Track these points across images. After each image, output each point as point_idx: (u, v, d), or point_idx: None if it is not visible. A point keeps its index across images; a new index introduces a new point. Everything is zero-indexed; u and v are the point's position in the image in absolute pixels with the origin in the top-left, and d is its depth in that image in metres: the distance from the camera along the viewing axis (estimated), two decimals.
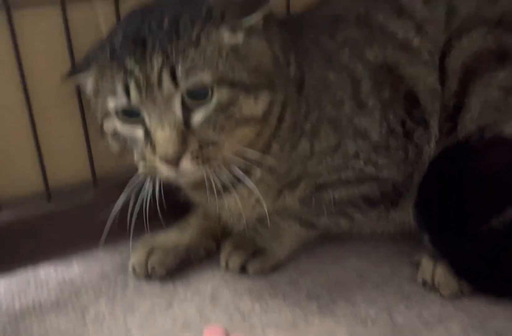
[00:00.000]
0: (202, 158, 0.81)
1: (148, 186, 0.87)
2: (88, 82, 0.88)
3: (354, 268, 1.04)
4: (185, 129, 0.80)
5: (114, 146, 0.88)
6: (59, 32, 1.01)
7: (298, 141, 0.92)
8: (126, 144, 0.86)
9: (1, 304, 0.97)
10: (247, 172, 0.89)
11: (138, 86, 0.80)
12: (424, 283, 0.98)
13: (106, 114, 0.85)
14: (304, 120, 0.91)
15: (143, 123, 0.83)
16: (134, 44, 0.81)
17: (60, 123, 1.08)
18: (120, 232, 0.92)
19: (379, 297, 0.96)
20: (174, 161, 0.80)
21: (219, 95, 0.80)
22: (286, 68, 0.90)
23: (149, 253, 1.02)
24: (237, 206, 0.93)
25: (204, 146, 0.81)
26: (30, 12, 0.99)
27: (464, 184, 0.92)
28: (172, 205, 0.96)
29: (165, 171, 0.82)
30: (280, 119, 0.90)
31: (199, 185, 0.92)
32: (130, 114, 0.83)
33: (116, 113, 0.84)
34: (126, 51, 0.81)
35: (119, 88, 0.81)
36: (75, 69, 0.92)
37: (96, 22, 1.04)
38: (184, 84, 0.79)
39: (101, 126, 0.88)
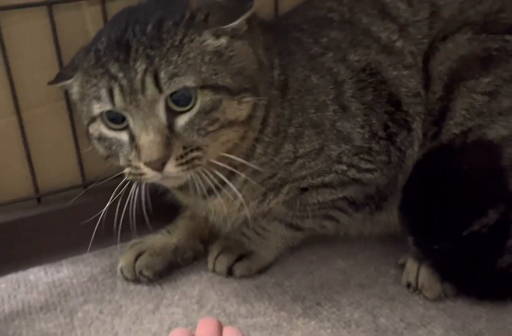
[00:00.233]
0: (186, 162, 0.82)
1: (135, 189, 0.87)
2: (74, 87, 0.89)
3: (340, 269, 1.05)
4: (170, 134, 0.80)
5: (100, 150, 0.89)
6: (46, 33, 1.02)
7: (282, 144, 0.92)
8: (111, 149, 0.86)
9: None
10: (231, 175, 0.90)
11: (122, 91, 0.80)
12: (408, 285, 0.99)
13: (92, 119, 0.86)
14: (287, 123, 0.92)
15: (128, 128, 0.83)
16: (118, 49, 0.81)
17: (48, 126, 1.09)
18: (109, 235, 0.93)
19: (364, 299, 0.97)
20: (159, 166, 0.81)
21: (202, 99, 0.81)
22: (270, 72, 0.91)
23: (137, 256, 1.03)
24: (223, 208, 0.95)
25: (189, 150, 0.81)
26: (16, 12, 0.99)
27: (447, 187, 0.93)
28: (160, 208, 0.98)
29: (150, 175, 0.83)
30: (264, 123, 0.90)
31: (186, 187, 0.93)
32: (115, 119, 0.84)
33: (101, 118, 0.84)
34: (110, 56, 0.82)
35: (104, 93, 0.81)
36: (60, 76, 0.92)
37: (83, 23, 1.05)
38: (167, 89, 0.80)
39: (87, 130, 0.88)
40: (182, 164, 0.81)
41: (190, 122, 0.81)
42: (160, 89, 0.79)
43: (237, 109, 0.84)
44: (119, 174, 0.89)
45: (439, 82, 0.95)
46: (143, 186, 0.88)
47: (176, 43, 0.81)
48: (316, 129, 0.92)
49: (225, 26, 0.83)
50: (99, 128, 0.86)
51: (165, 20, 0.83)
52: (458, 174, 0.93)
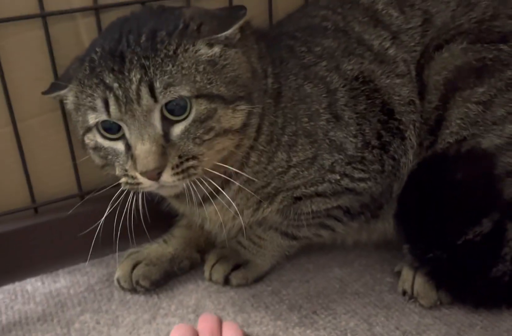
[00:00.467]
0: (182, 171, 0.82)
1: (131, 199, 0.88)
2: (69, 97, 0.89)
3: (337, 277, 1.05)
4: (165, 143, 0.81)
5: (96, 159, 0.89)
6: (41, 45, 1.02)
7: (275, 153, 0.93)
8: (107, 158, 0.87)
9: None
10: (226, 183, 0.91)
11: (117, 101, 0.81)
12: (404, 293, 0.99)
13: (87, 129, 0.86)
14: (281, 132, 0.92)
15: (123, 137, 0.84)
16: (113, 59, 0.82)
17: (44, 136, 1.09)
18: (106, 245, 0.93)
19: (360, 308, 0.97)
20: (155, 175, 0.81)
21: (197, 108, 0.81)
22: (263, 80, 0.91)
23: (134, 266, 1.04)
24: (218, 216, 0.95)
25: (184, 159, 0.82)
26: (11, 25, 1.00)
27: (441, 195, 0.94)
28: (157, 217, 0.98)
29: (146, 185, 0.83)
30: (258, 131, 0.91)
31: (181, 195, 0.93)
32: (110, 129, 0.84)
33: (97, 128, 0.85)
34: (105, 66, 0.82)
35: (99, 103, 0.82)
36: (55, 86, 0.92)
37: (78, 34, 1.05)
38: (163, 99, 0.80)
39: (82, 140, 0.89)
40: (178, 173, 0.82)
41: (186, 131, 0.82)
42: (155, 99, 0.80)
43: (232, 117, 0.84)
44: (115, 184, 0.89)
45: (436, 92, 0.96)
46: (139, 196, 0.88)
47: (170, 53, 0.81)
48: (309, 138, 0.93)
49: (218, 35, 0.84)
50: (95, 138, 0.86)
51: (159, 30, 0.83)
52: (452, 183, 0.93)
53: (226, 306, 0.99)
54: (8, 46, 1.01)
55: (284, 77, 0.93)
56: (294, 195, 0.96)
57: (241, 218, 0.91)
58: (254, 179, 0.91)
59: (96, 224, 0.91)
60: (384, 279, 1.04)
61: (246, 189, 0.91)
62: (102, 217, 0.90)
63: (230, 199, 0.88)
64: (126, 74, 0.80)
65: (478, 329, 0.91)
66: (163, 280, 1.04)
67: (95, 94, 0.82)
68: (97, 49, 0.84)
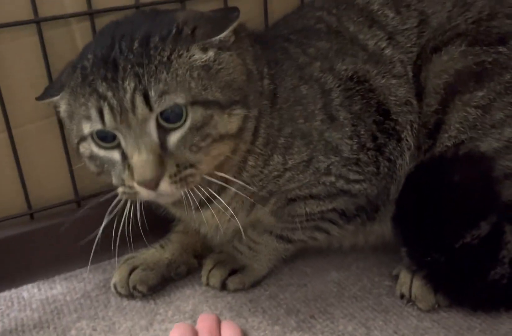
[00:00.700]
0: (180, 180, 0.81)
1: (129, 207, 0.87)
2: (62, 105, 0.88)
3: (334, 281, 1.05)
4: (162, 152, 0.80)
5: (92, 167, 0.88)
6: (36, 50, 1.02)
7: (271, 156, 0.92)
8: (103, 167, 0.85)
9: None
10: (222, 189, 0.90)
11: (112, 110, 0.79)
12: (402, 296, 0.99)
13: (82, 138, 0.85)
14: (277, 134, 0.91)
15: (119, 147, 0.82)
16: (106, 67, 0.80)
17: (40, 142, 1.09)
18: (102, 251, 0.93)
19: (358, 312, 0.97)
20: (153, 185, 0.80)
21: (193, 116, 0.80)
22: (259, 81, 0.90)
23: (131, 271, 1.03)
24: (214, 219, 0.94)
25: (182, 168, 0.81)
26: (5, 31, 1.00)
27: (439, 198, 0.93)
28: (155, 223, 0.98)
29: (144, 194, 0.82)
30: (255, 134, 0.90)
31: (178, 202, 0.92)
32: (105, 138, 0.83)
33: (92, 137, 0.83)
34: (97, 74, 0.80)
35: (93, 113, 0.80)
36: (47, 92, 0.91)
37: (73, 39, 1.06)
38: (158, 107, 0.78)
39: (77, 148, 0.87)
40: (176, 182, 0.81)
41: (182, 139, 0.80)
42: (150, 108, 0.78)
43: (228, 122, 0.83)
44: (112, 193, 0.88)
45: (435, 95, 0.95)
46: (137, 204, 0.87)
47: (164, 59, 0.80)
48: (305, 139, 0.92)
49: (213, 39, 0.83)
50: (90, 147, 0.85)
51: (152, 36, 0.81)
52: (450, 185, 0.92)
53: (224, 311, 0.98)
54: (3, 52, 1.01)
55: (280, 78, 0.93)
56: (288, 197, 0.95)
57: (237, 220, 0.90)
58: (248, 186, 0.90)
59: (94, 232, 0.90)
60: (382, 282, 1.04)
61: (242, 194, 0.91)
62: (99, 223, 0.89)
63: (226, 204, 0.88)
64: (120, 82, 0.79)
65: (476, 332, 0.91)
66: (160, 285, 1.04)
67: (89, 103, 0.81)
68: (89, 56, 0.83)
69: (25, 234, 1.09)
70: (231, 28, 0.83)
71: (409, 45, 0.98)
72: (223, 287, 1.03)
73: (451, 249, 0.92)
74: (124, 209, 0.87)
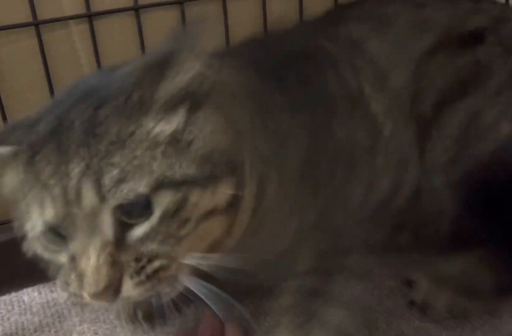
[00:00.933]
0: (147, 278, 0.62)
1: None
2: (7, 176, 0.68)
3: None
4: (116, 249, 0.61)
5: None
6: (34, 54, 1.01)
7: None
8: (49, 265, 0.69)
9: None
10: None
11: (54, 202, 0.61)
12: (411, 303, 0.96)
13: (24, 234, 0.68)
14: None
15: (66, 247, 0.64)
16: (51, 145, 0.63)
17: None
18: None
19: (359, 313, 0.96)
20: (111, 294, 0.61)
21: (162, 203, 0.61)
22: (260, 133, 0.72)
23: None
24: None
25: (145, 262, 0.62)
26: (3, 34, 0.99)
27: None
28: None
29: (97, 304, 0.66)
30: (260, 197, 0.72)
31: None
32: (54, 238, 0.65)
33: (37, 237, 0.66)
34: (43, 154, 0.63)
35: (34, 205, 0.63)
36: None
37: (72, 42, 1.05)
38: (112, 199, 0.60)
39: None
40: (142, 282, 0.62)
41: (150, 233, 0.61)
42: (101, 198, 0.60)
43: (212, 198, 0.64)
44: None
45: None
46: None
47: (118, 142, 0.61)
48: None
49: (158, 92, 0.62)
50: (34, 247, 0.68)
51: (104, 104, 0.63)
52: None
53: None
54: (1, 55, 1.00)
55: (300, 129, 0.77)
56: None
57: None
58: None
59: None
60: (382, 283, 1.04)
61: None
62: None
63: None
64: (63, 167, 0.61)
65: (479, 334, 0.90)
66: None
67: (29, 195, 0.63)
68: (40, 125, 0.65)
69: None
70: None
71: None
72: None
73: None
74: None
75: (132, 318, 0.92)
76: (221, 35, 0.99)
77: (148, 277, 0.61)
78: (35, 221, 0.63)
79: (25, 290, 1.06)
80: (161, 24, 1.08)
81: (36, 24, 1.00)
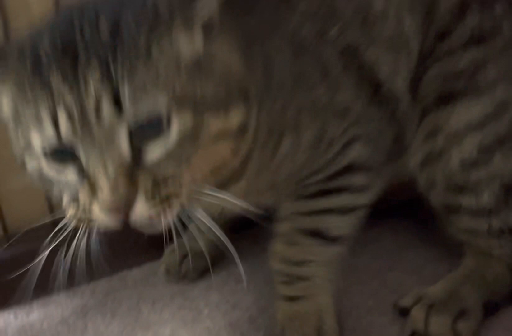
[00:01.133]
0: (161, 202, 0.64)
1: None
2: (2, 98, 0.68)
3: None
4: (134, 166, 0.63)
5: (36, 182, 0.70)
6: None
7: (279, 143, 0.80)
8: (52, 187, 0.68)
9: None
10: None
11: (70, 118, 0.61)
12: (413, 333, 0.92)
13: (29, 150, 0.66)
14: (281, 118, 0.79)
15: (77, 162, 0.64)
16: (64, 58, 0.62)
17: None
18: (80, 274, 0.92)
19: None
20: (124, 210, 0.63)
21: (180, 123, 0.63)
22: (258, 67, 0.75)
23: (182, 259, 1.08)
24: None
25: (162, 185, 0.64)
26: None
27: None
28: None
29: (104, 222, 0.65)
30: (256, 127, 0.75)
31: None
32: (61, 152, 0.64)
33: (44, 153, 0.65)
34: (54, 67, 0.62)
35: (46, 121, 0.62)
36: None
37: None
38: (131, 114, 0.60)
39: (22, 161, 0.69)
40: (155, 204, 0.64)
41: (166, 154, 0.63)
42: (121, 114, 0.60)
43: (224, 121, 0.67)
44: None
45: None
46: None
47: (142, 50, 0.62)
48: (312, 113, 0.82)
49: (196, 9, 0.64)
50: (39, 165, 0.67)
51: (124, 18, 0.63)
52: None
53: (202, 334, 0.97)
54: None
55: (273, 56, 0.79)
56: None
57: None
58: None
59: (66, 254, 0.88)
60: (362, 302, 1.02)
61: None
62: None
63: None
64: (81, 78, 0.60)
65: None
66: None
67: (40, 107, 0.62)
68: (45, 41, 0.64)
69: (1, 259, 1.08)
70: None
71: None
72: None
73: None
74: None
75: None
76: None
77: (161, 201, 0.63)
78: (45, 135, 0.62)
79: (0, 314, 1.06)
80: None
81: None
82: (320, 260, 0.92)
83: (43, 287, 1.07)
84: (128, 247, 1.06)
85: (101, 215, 0.64)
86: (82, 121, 0.61)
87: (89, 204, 0.64)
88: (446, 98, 0.90)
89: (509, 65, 0.90)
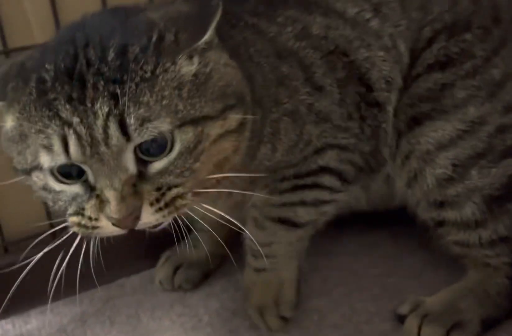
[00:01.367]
0: (166, 206, 0.68)
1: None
2: (7, 120, 0.71)
3: (314, 309, 1.03)
4: (138, 181, 0.67)
5: (41, 196, 0.74)
6: None
7: (258, 149, 0.84)
8: (58, 202, 0.72)
9: None
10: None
11: (79, 140, 0.65)
12: None
13: (36, 167, 0.70)
14: (262, 122, 0.83)
15: (85, 180, 0.69)
16: (70, 83, 0.65)
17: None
18: (79, 283, 0.91)
19: None
20: (131, 220, 0.67)
21: (182, 140, 0.67)
22: (248, 72, 0.79)
23: (175, 270, 1.09)
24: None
25: (165, 190, 0.68)
26: None
27: None
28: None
29: (108, 230, 0.69)
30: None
31: None
32: (69, 173, 0.69)
33: (51, 172, 0.69)
34: (60, 92, 0.65)
35: (56, 144, 0.66)
36: None
37: None
38: (138, 137, 0.65)
39: (27, 174, 0.72)
40: (161, 209, 0.68)
41: (169, 166, 0.68)
42: (128, 138, 0.65)
43: (222, 126, 0.71)
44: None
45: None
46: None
47: (147, 75, 0.66)
48: (292, 117, 0.85)
49: (199, 43, 0.69)
50: (46, 180, 0.70)
51: (129, 44, 0.67)
52: None
53: None
54: None
55: (257, 62, 0.83)
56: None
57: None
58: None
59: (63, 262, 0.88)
60: (363, 308, 1.02)
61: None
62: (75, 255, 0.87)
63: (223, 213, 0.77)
64: (89, 105, 0.64)
65: None
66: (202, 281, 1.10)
67: (49, 131, 0.65)
68: (48, 66, 0.67)
69: None
70: (213, 24, 0.70)
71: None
72: None
73: None
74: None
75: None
76: None
77: (166, 204, 0.68)
78: (55, 156, 0.66)
79: None
80: None
81: (7, 52, 1.00)
82: (284, 241, 0.99)
83: (41, 295, 1.08)
84: (127, 255, 1.06)
85: (108, 224, 0.68)
86: (91, 145, 0.65)
87: (96, 214, 0.68)
88: (415, 121, 0.93)
89: (483, 84, 0.91)
